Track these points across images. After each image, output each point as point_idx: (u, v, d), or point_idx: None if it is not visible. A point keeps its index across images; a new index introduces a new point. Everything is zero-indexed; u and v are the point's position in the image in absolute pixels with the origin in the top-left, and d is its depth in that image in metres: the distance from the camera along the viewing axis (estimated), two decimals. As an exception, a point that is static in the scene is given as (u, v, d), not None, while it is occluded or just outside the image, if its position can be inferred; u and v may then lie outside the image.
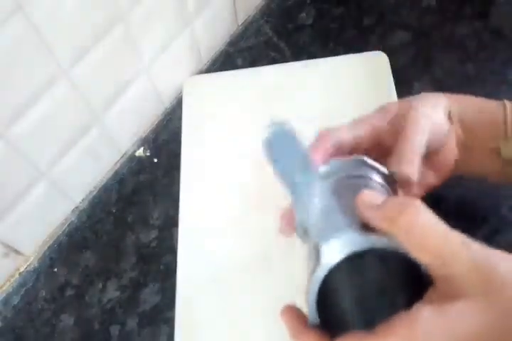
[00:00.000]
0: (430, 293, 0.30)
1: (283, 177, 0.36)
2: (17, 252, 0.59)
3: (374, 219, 0.32)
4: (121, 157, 0.67)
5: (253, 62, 0.72)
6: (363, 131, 0.44)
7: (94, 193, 0.65)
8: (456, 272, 0.28)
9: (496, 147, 0.46)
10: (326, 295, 0.32)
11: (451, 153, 0.47)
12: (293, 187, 0.36)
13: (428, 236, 0.29)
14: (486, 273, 0.28)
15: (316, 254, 0.32)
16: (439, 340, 0.27)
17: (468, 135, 0.47)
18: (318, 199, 0.35)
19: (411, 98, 0.46)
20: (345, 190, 0.37)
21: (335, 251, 0.31)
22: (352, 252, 0.31)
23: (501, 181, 0.49)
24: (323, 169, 0.39)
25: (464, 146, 0.47)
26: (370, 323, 0.30)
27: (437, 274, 0.30)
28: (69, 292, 0.59)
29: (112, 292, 0.58)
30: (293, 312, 0.35)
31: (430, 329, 0.27)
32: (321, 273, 0.31)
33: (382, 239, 0.31)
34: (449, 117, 0.46)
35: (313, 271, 0.32)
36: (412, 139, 0.42)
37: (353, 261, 0.31)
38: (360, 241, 0.31)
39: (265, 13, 0.76)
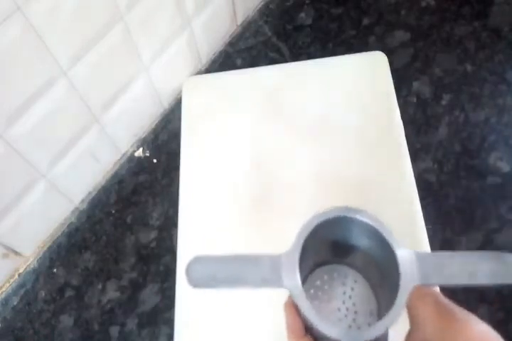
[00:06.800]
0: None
1: None
2: (16, 253, 0.58)
3: None
4: (121, 157, 0.67)
5: (252, 62, 0.72)
6: None
7: (94, 194, 0.65)
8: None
9: None
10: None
11: None
12: None
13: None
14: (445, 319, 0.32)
15: None
16: None
17: None
18: None
19: None
20: None
21: None
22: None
23: None
24: None
25: None
26: None
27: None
28: (68, 293, 0.59)
29: (112, 292, 0.58)
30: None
31: None
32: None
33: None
34: None
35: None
36: None
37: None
38: None
39: (264, 14, 0.76)
